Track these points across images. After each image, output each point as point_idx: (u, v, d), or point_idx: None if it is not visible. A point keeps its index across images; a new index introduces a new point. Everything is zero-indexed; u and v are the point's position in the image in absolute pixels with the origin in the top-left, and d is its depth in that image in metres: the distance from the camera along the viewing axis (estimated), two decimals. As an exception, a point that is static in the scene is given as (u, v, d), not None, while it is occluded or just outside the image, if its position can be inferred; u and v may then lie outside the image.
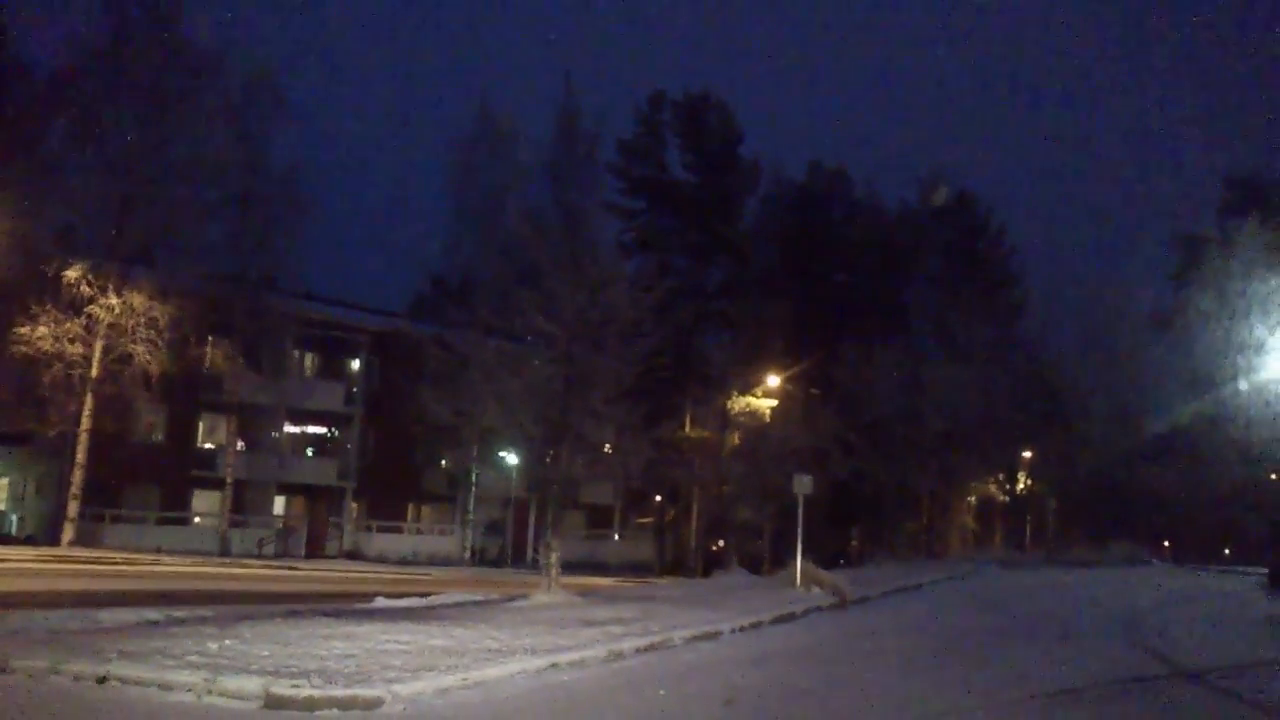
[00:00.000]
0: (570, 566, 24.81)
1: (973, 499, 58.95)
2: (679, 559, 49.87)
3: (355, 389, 47.06)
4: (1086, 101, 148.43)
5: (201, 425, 44.00)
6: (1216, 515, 51.50)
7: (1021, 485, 58.90)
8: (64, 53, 35.58)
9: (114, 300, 33.78)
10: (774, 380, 44.44)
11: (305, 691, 9.05)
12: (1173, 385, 45.34)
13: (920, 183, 58.52)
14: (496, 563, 44.87)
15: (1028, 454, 56.67)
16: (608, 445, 28.07)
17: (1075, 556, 48.72)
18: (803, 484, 25.82)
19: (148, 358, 33.99)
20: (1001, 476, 58.17)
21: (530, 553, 45.01)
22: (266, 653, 10.65)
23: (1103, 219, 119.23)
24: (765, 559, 43.96)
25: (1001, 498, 59.32)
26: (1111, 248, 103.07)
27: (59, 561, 28.00)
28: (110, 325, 33.86)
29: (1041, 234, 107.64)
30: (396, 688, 9.41)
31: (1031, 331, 58.82)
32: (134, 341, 33.95)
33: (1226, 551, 60.07)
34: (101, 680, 9.44)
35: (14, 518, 42.80)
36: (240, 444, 41.77)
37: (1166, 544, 60.60)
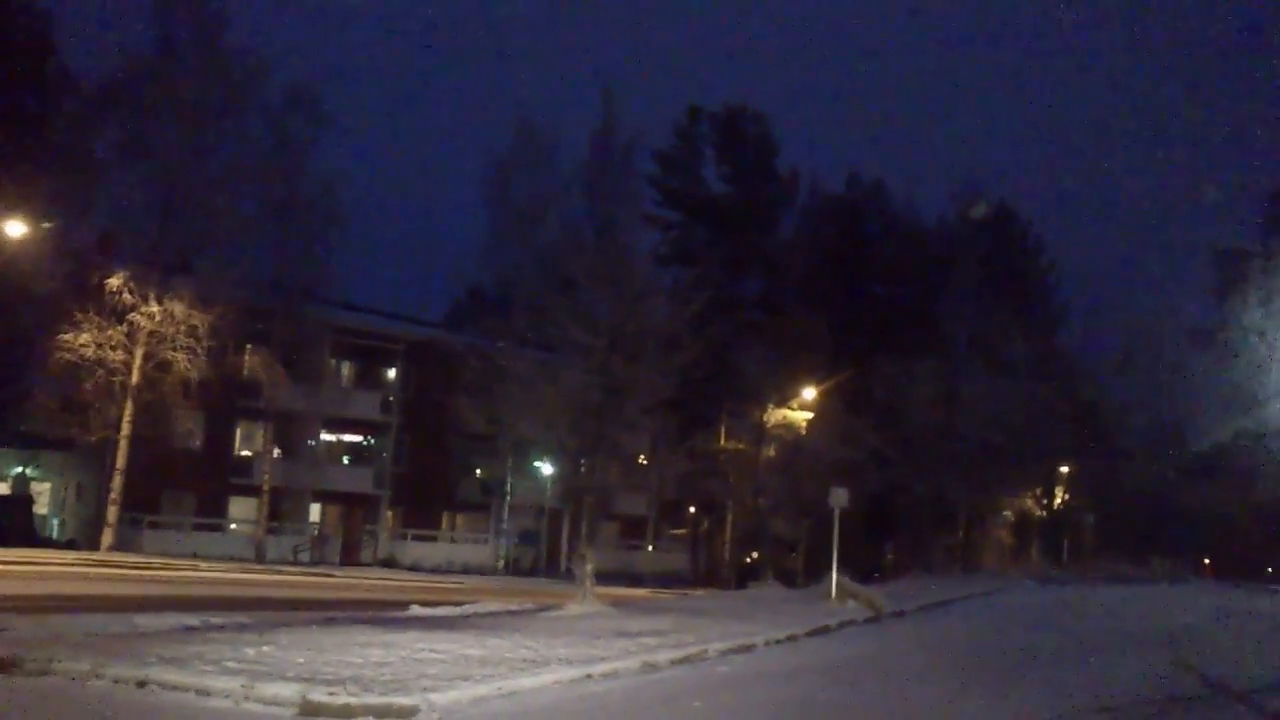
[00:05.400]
0: (604, 577, 24.74)
1: (1009, 514, 58.46)
2: (713, 571, 49.65)
3: (391, 398, 47.25)
4: (1126, 115, 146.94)
5: (239, 432, 44.31)
6: (1259, 533, 50.81)
7: (1059, 500, 58.39)
8: (111, 64, 36.04)
9: (155, 308, 34.10)
10: (810, 393, 44.13)
11: (341, 699, 9.06)
12: (1214, 401, 44.75)
13: (958, 196, 58.05)
14: (530, 572, 44.80)
15: (1065, 469, 56.15)
16: (643, 456, 28.09)
17: (1113, 573, 48.29)
18: (839, 497, 25.73)
19: (187, 365, 34.29)
20: (1039, 491, 57.68)
21: (564, 563, 45.03)
22: (303, 660, 10.69)
23: (1143, 232, 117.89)
24: (799, 572, 43.76)
25: (1039, 513, 58.80)
26: (1151, 262, 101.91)
27: (99, 566, 28.24)
28: (151, 333, 34.18)
29: (1080, 247, 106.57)
30: (432, 696, 9.39)
31: (1070, 346, 58.48)
32: (174, 349, 34.24)
33: (1270, 570, 59.19)
34: (141, 684, 9.50)
35: (55, 522, 43.26)
36: (277, 451, 41.96)
37: (1207, 561, 59.85)
